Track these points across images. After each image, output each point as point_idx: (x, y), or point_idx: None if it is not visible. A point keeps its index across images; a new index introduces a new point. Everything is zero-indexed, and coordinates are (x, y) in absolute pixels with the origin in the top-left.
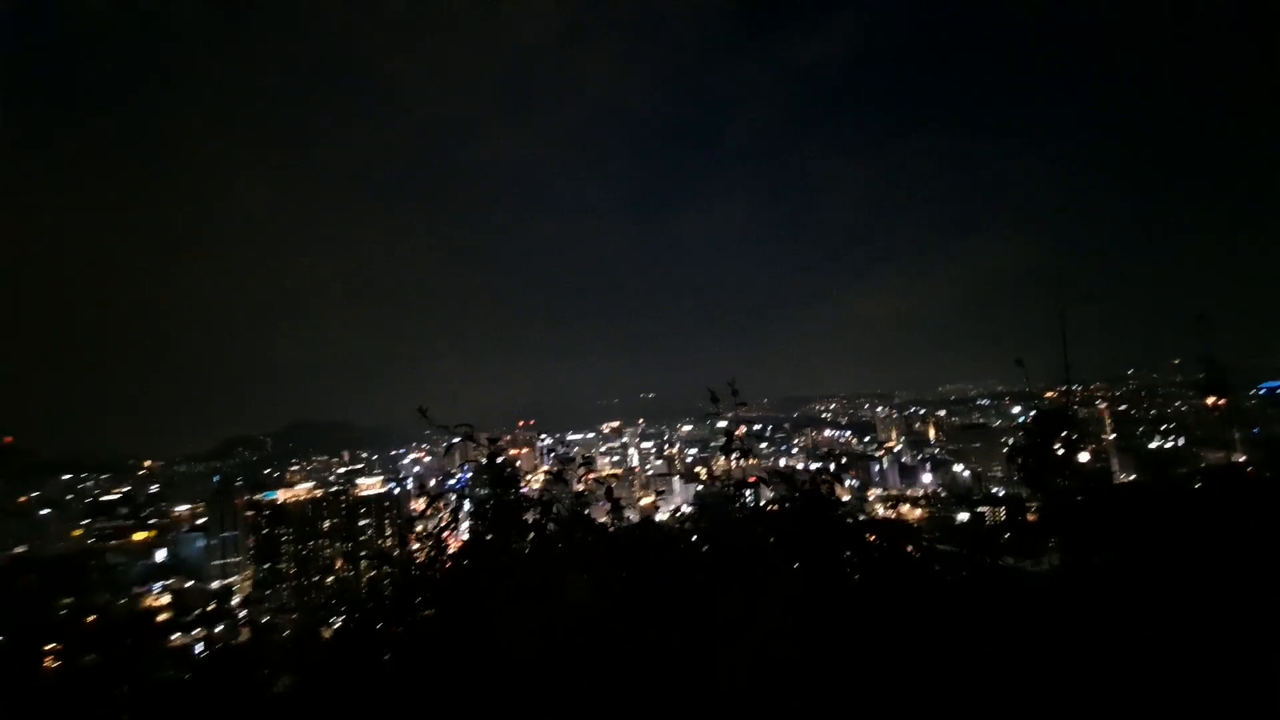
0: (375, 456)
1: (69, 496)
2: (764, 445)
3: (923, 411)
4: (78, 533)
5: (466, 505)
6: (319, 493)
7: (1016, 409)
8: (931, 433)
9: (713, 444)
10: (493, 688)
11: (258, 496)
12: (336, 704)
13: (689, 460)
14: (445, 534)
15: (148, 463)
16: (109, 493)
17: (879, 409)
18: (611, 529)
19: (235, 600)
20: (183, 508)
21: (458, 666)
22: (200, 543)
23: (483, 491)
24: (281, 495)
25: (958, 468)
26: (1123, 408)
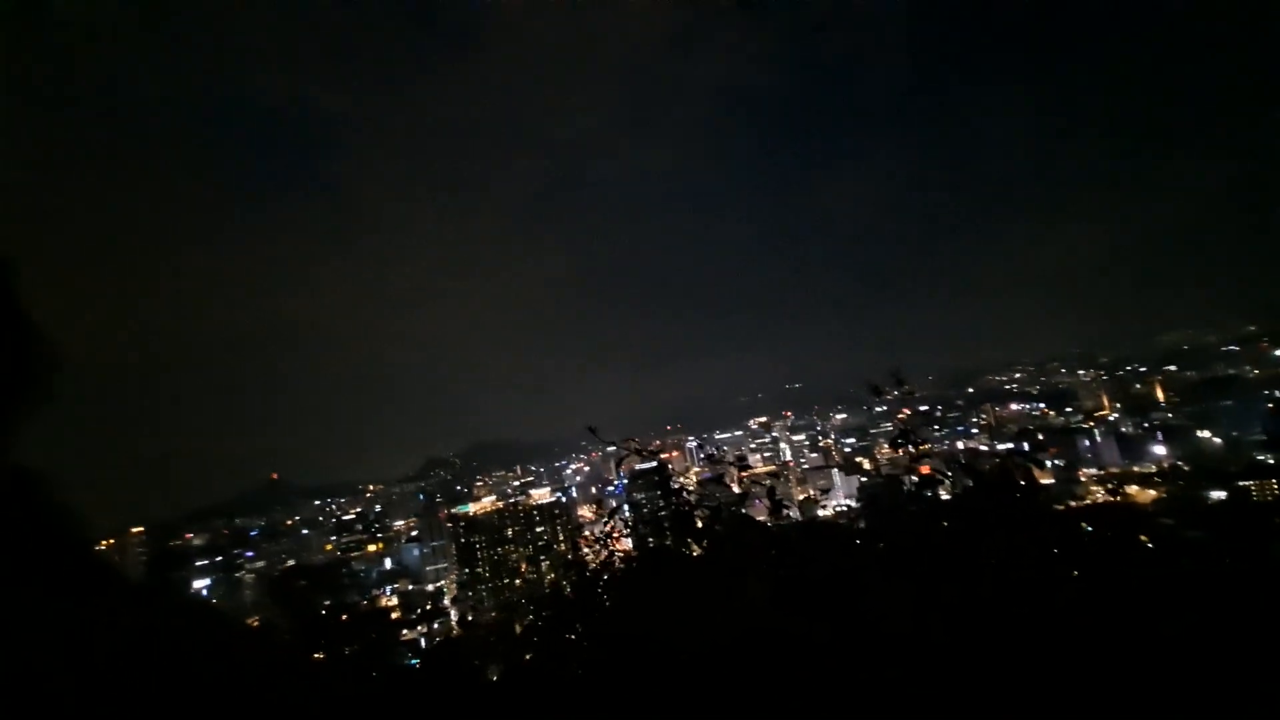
0: (542, 469)
1: (319, 518)
2: (934, 428)
3: (1142, 369)
4: (329, 546)
5: (626, 510)
6: (501, 504)
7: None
8: (1159, 393)
9: (872, 431)
10: (665, 679)
11: (455, 510)
12: (534, 689)
13: (847, 450)
14: (612, 538)
15: (372, 486)
16: (347, 512)
17: (1080, 372)
18: (773, 528)
19: (446, 600)
20: (399, 522)
21: (634, 658)
22: (416, 551)
23: (639, 496)
24: (473, 507)
25: (1203, 434)
26: None
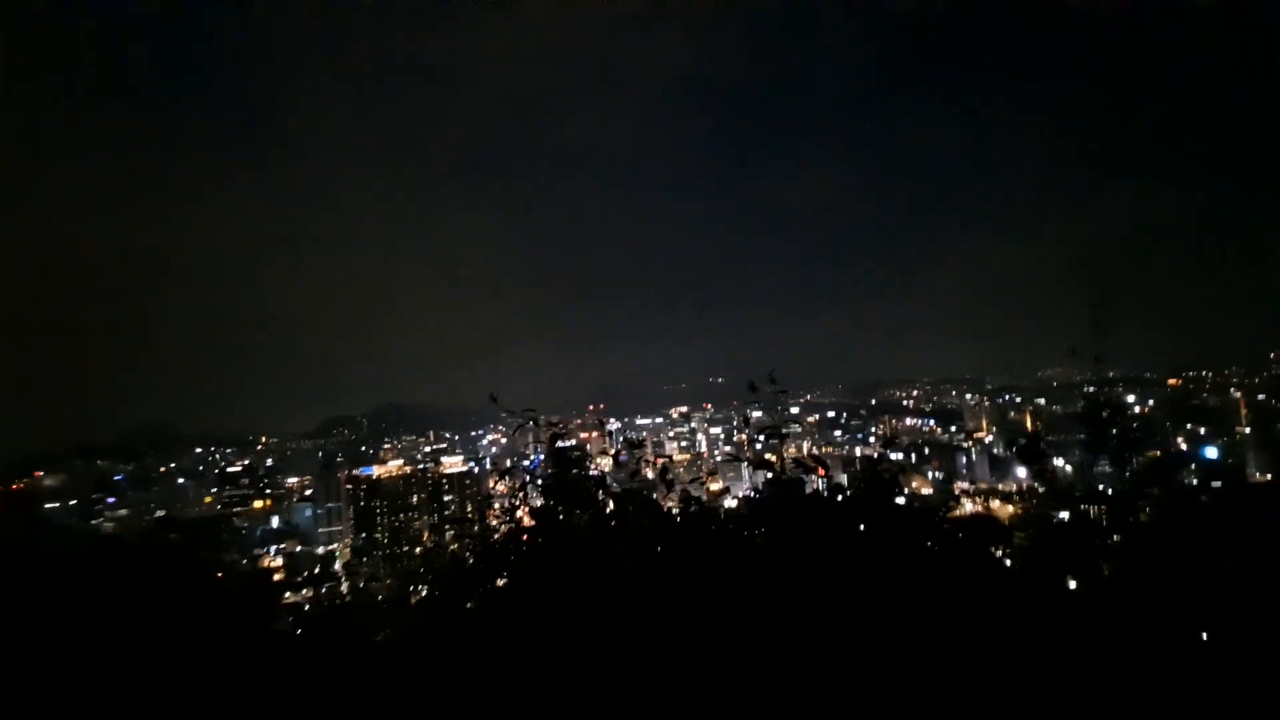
0: (456, 437)
1: (200, 468)
2: (838, 433)
3: (1019, 399)
4: (209, 499)
5: (538, 484)
6: (408, 469)
7: (1131, 397)
8: (1028, 422)
9: (784, 430)
10: (548, 650)
11: (356, 472)
12: (425, 658)
13: (759, 447)
14: (518, 510)
15: (264, 439)
16: (233, 465)
17: (967, 395)
18: (673, 511)
19: (337, 565)
20: (293, 480)
21: (524, 630)
22: (308, 512)
23: (551, 472)
24: (377, 470)
25: (1058, 461)
26: (1261, 396)
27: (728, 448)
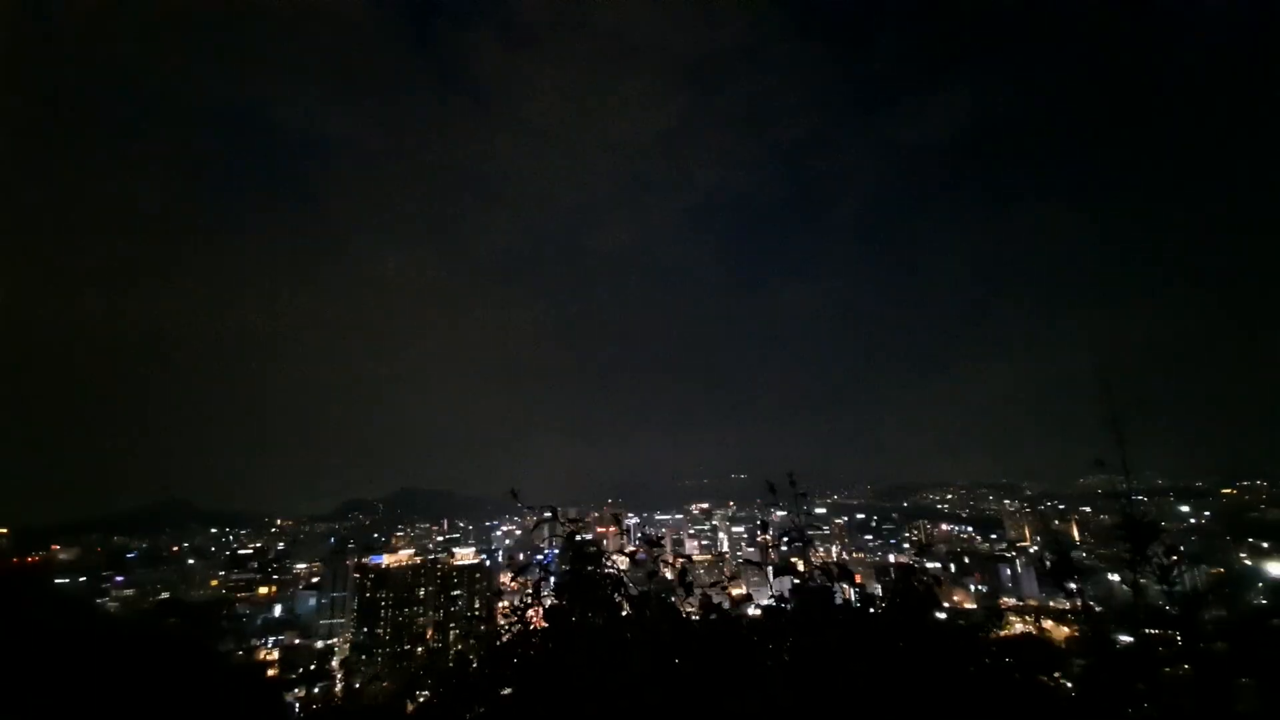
0: (470, 526)
1: (213, 548)
2: (869, 537)
3: (1061, 506)
4: (215, 582)
5: (551, 581)
6: (419, 560)
7: (1185, 507)
8: (1075, 532)
9: (809, 532)
10: None
11: (365, 560)
12: None
13: (783, 549)
14: (530, 610)
15: (280, 521)
16: (245, 547)
17: (1005, 502)
18: (694, 616)
19: (335, 661)
20: (301, 565)
21: None
22: (312, 601)
23: (566, 568)
24: (386, 559)
25: (1113, 577)
26: None
27: (750, 549)
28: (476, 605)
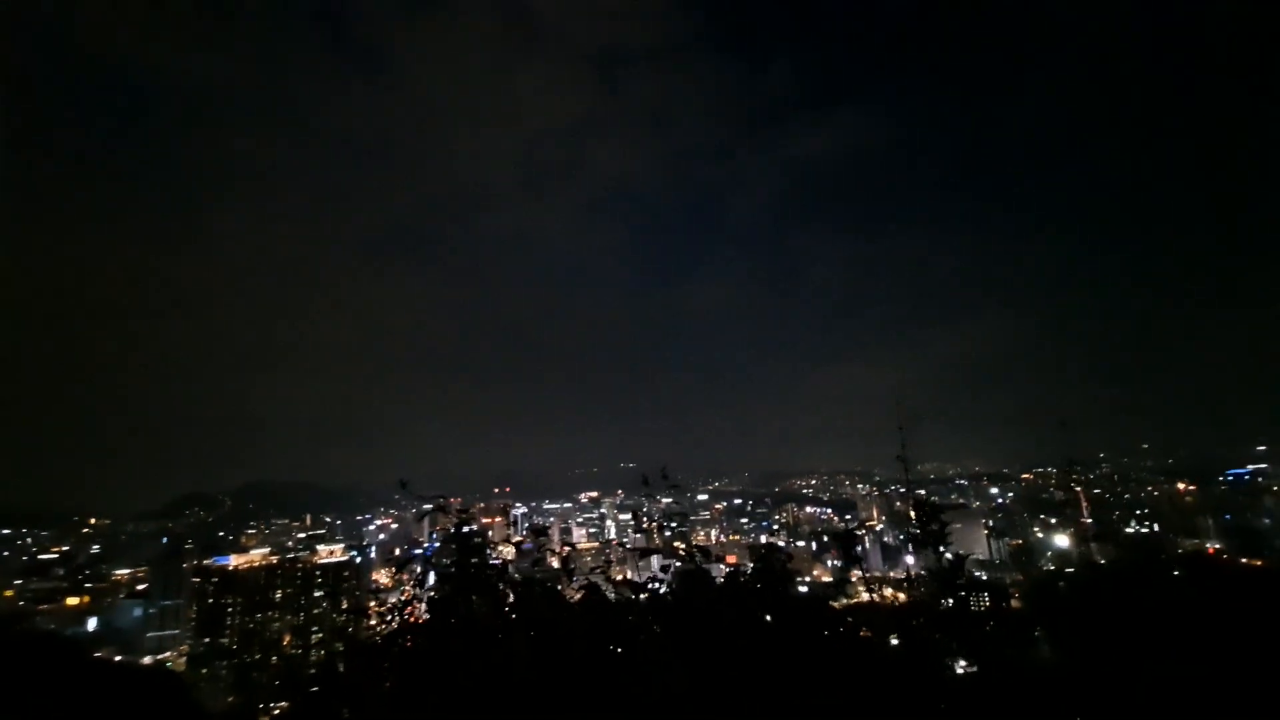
0: (339, 521)
1: (5, 553)
2: (744, 520)
3: (903, 490)
4: (9, 593)
5: (432, 577)
6: (275, 559)
7: (994, 489)
8: (912, 512)
9: (692, 518)
10: None
11: (207, 561)
12: None
13: (668, 534)
14: (409, 607)
15: (93, 520)
16: (48, 550)
17: (860, 486)
18: (577, 599)
19: None
20: (123, 570)
21: None
22: (138, 611)
23: (449, 561)
24: (234, 560)
25: (940, 549)
26: (1097, 491)
27: (638, 535)
28: (345, 605)
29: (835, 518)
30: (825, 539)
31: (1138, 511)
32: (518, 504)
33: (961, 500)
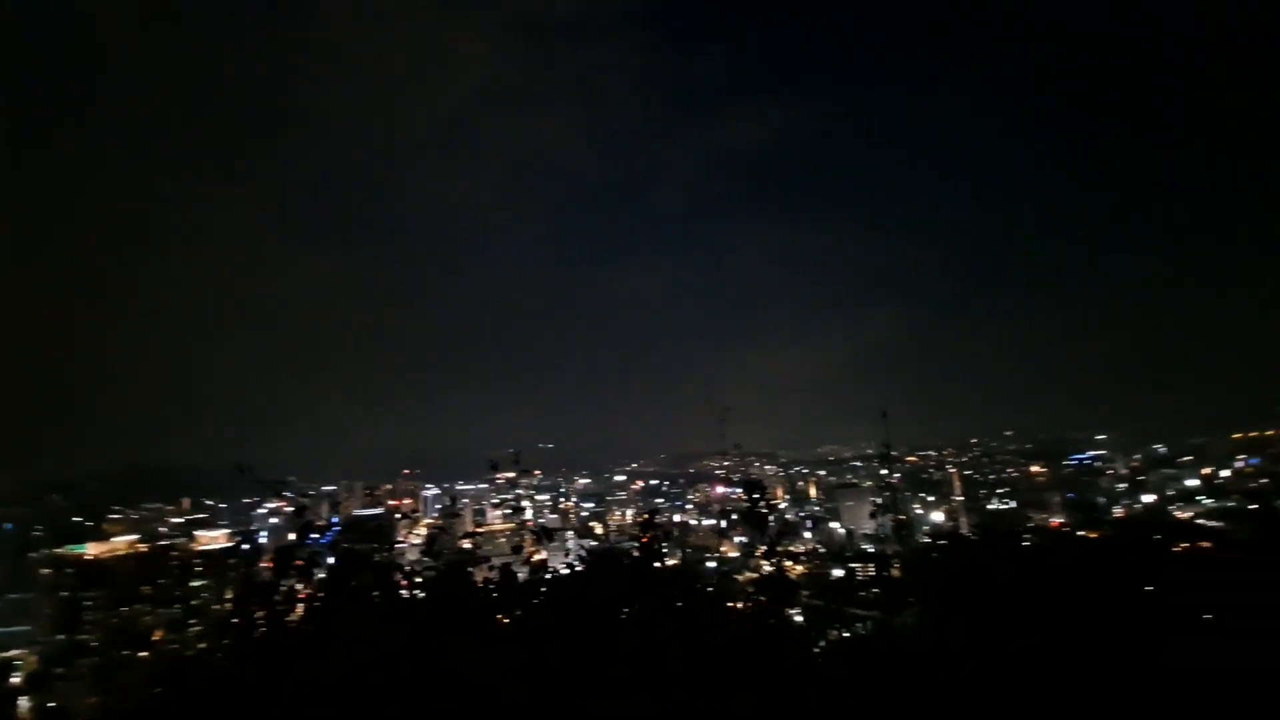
0: (224, 506)
1: None
2: (659, 500)
3: (805, 471)
4: None
5: (329, 560)
6: (145, 547)
7: (884, 470)
8: (812, 491)
9: (608, 498)
10: None
11: (60, 550)
12: None
13: (584, 515)
14: (298, 594)
15: None
16: None
17: (767, 467)
18: (489, 581)
19: (16, 678)
20: None
21: None
22: None
23: (346, 546)
24: (94, 549)
25: (833, 525)
26: (968, 472)
27: (553, 516)
28: (228, 596)
29: (744, 497)
30: (734, 516)
31: (998, 490)
32: (429, 485)
33: (855, 480)
